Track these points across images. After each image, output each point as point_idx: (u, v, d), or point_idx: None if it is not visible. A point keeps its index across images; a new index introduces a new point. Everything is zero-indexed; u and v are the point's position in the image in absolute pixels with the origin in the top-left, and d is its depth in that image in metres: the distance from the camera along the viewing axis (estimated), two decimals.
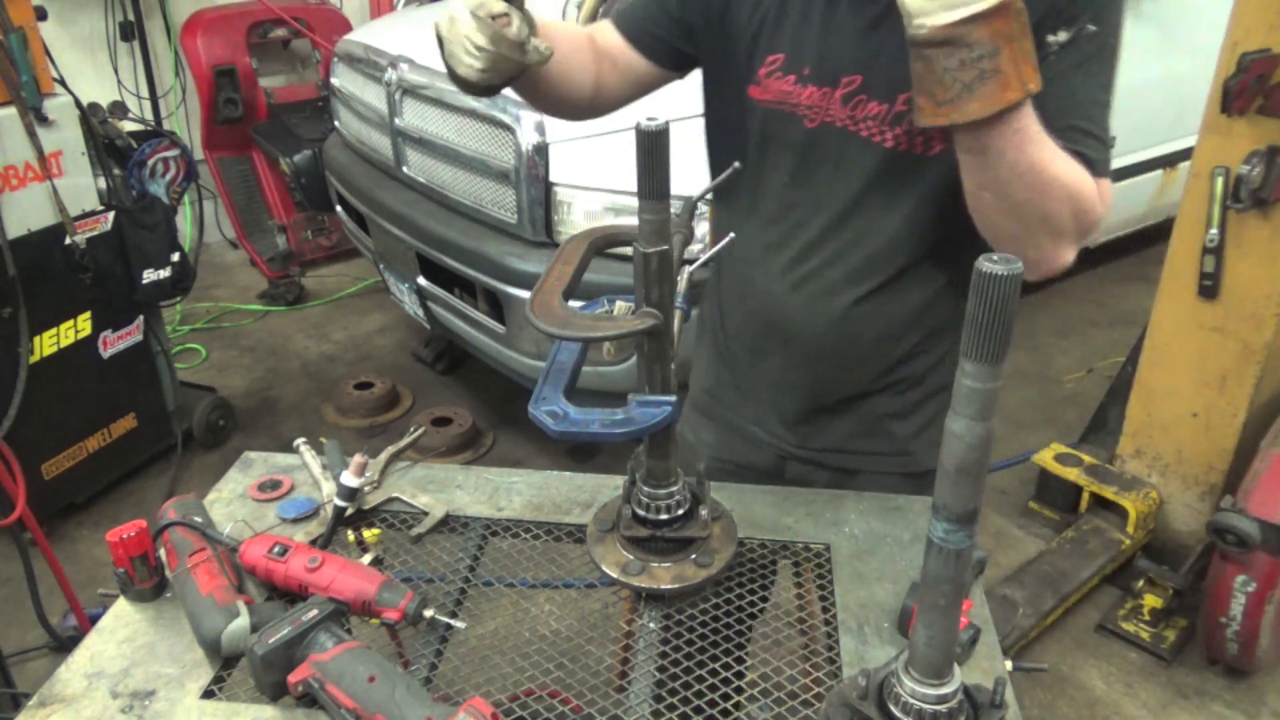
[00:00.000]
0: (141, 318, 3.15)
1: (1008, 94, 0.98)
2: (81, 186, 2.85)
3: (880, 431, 1.44)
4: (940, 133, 1.17)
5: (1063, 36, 1.16)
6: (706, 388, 1.57)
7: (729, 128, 1.39)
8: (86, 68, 4.55)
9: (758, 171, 1.34)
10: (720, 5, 1.33)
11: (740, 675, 1.16)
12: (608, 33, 1.43)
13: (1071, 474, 2.95)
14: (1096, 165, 1.17)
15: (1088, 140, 1.17)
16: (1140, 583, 2.70)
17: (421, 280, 3.24)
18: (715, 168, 1.47)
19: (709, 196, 1.37)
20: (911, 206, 1.27)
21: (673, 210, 1.07)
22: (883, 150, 1.24)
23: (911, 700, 0.87)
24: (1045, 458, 3.04)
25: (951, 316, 1.36)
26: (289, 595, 1.19)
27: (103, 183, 2.93)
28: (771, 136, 1.32)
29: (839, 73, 1.23)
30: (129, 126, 3.09)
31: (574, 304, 1.10)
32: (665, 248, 1.03)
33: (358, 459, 1.35)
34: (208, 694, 1.07)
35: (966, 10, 0.94)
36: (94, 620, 1.20)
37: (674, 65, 1.42)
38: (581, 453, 3.48)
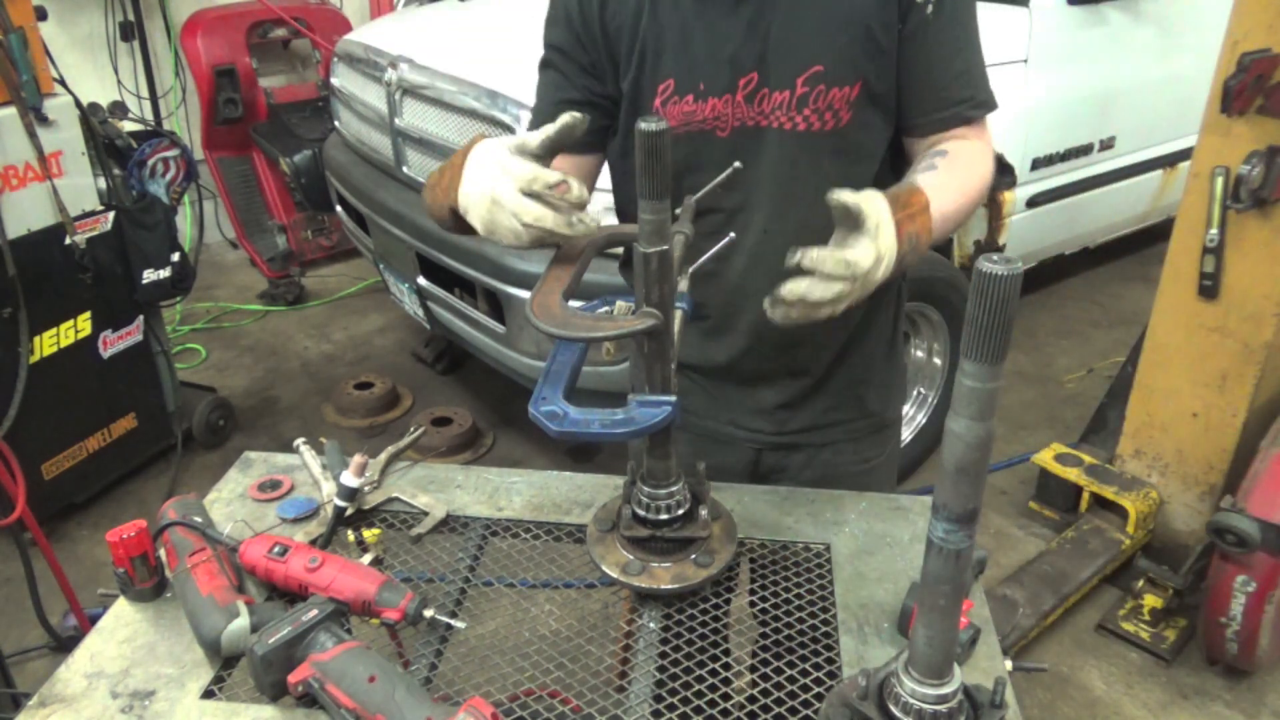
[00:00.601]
0: (141, 318, 3.16)
1: (924, 247, 1.14)
2: (81, 186, 2.86)
3: (851, 399, 1.51)
4: (846, 104, 1.25)
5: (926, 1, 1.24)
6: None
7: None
8: (86, 68, 4.55)
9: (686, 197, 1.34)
10: (598, 63, 1.33)
11: (740, 675, 1.16)
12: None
13: (1071, 474, 2.95)
14: (982, 124, 1.32)
15: (974, 105, 1.30)
16: (1140, 583, 2.70)
17: (421, 280, 3.24)
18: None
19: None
20: (841, 179, 1.26)
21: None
22: (797, 135, 1.28)
23: (911, 700, 0.87)
24: (1045, 458, 3.04)
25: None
26: (289, 595, 1.19)
27: (103, 183, 2.93)
28: (688, 159, 1.32)
29: (735, 76, 1.26)
30: (129, 126, 3.09)
31: (574, 304, 1.10)
32: (665, 248, 1.03)
33: (358, 459, 1.35)
34: (208, 694, 1.07)
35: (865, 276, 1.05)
36: (94, 620, 1.20)
37: (606, 138, 1.42)
38: (581, 453, 3.48)
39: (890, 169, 1.36)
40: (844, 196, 1.06)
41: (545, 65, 1.40)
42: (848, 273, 1.03)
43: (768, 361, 1.45)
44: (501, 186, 1.08)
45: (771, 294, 1.06)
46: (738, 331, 1.42)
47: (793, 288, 1.04)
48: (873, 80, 1.25)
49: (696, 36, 1.27)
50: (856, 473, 1.55)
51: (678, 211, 1.22)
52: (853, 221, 1.06)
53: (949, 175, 1.23)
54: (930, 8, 1.24)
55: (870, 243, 1.05)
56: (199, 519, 1.25)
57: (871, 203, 1.06)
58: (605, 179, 2.73)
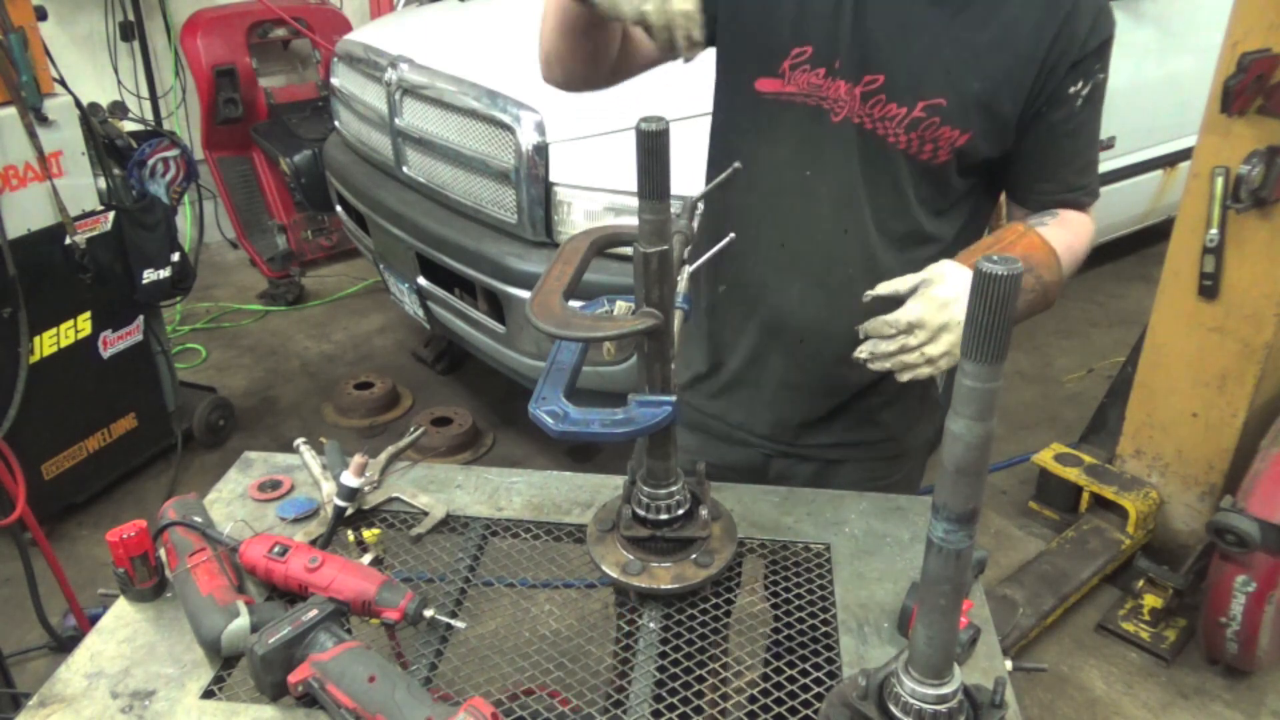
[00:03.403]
0: (141, 318, 3.15)
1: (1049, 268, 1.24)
2: (81, 186, 2.85)
3: (871, 422, 1.50)
4: (950, 146, 1.26)
5: (1083, 88, 1.27)
6: (684, 398, 1.58)
7: (741, 120, 1.38)
8: (86, 68, 4.54)
9: (773, 166, 1.34)
10: None
11: (740, 675, 1.16)
12: None
13: (1071, 474, 2.95)
14: (1090, 206, 1.38)
15: (1088, 194, 1.37)
16: (1140, 583, 2.70)
17: (421, 280, 3.24)
18: (716, 163, 1.45)
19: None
20: (921, 208, 1.32)
21: (673, 210, 1.07)
22: (896, 151, 1.27)
23: (911, 700, 0.87)
24: (1045, 458, 3.04)
25: None
26: (289, 595, 1.19)
27: (103, 183, 2.93)
28: (793, 129, 1.31)
29: (863, 70, 1.25)
30: (129, 126, 3.09)
31: (574, 304, 1.10)
32: (665, 248, 1.03)
33: (358, 459, 1.35)
34: (208, 694, 1.07)
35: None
36: (93, 620, 1.20)
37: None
38: (581, 453, 3.48)
39: (972, 218, 1.41)
40: (877, 289, 1.19)
41: None
42: (893, 330, 1.16)
43: (802, 373, 1.44)
44: None
45: (854, 355, 1.21)
46: (768, 328, 1.42)
47: (862, 347, 1.20)
48: (981, 139, 1.27)
49: (847, 14, 1.24)
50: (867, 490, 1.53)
51: (678, 211, 1.22)
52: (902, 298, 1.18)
53: (1060, 231, 1.30)
54: (1080, 102, 1.26)
55: (915, 298, 1.16)
56: (199, 519, 1.25)
57: (915, 275, 1.18)
58: (605, 179, 2.71)
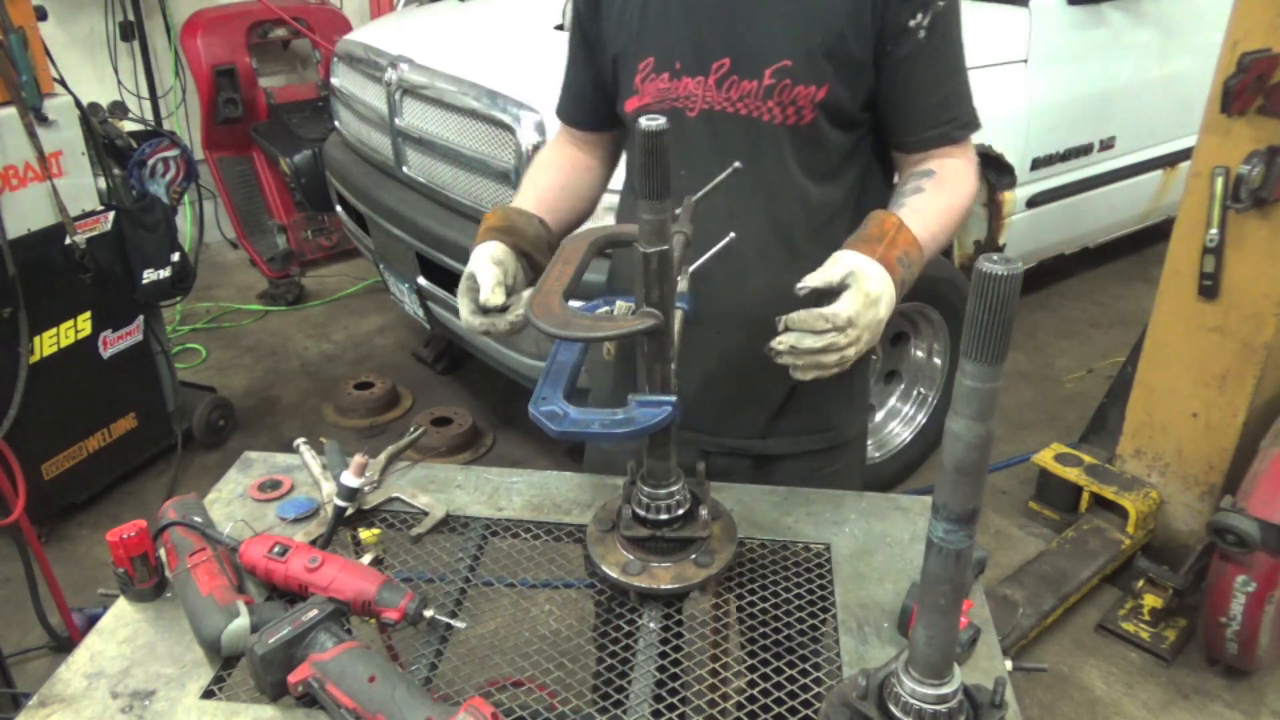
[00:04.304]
0: (141, 318, 3.15)
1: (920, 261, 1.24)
2: (81, 186, 2.85)
3: (807, 408, 1.48)
4: (811, 103, 1.28)
5: (923, 19, 1.26)
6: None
7: (628, 142, 1.49)
8: (86, 68, 4.54)
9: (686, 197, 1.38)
10: (596, 40, 1.41)
11: (740, 675, 1.16)
12: (570, 134, 1.56)
13: (1071, 474, 2.95)
14: (968, 141, 1.36)
15: (960, 125, 1.34)
16: (1140, 583, 2.70)
17: (421, 280, 3.24)
18: (627, 186, 1.55)
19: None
20: (803, 178, 1.34)
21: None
22: (761, 125, 1.30)
23: (911, 700, 0.87)
24: (1045, 458, 3.04)
25: None
26: (289, 595, 1.19)
27: (103, 183, 2.93)
28: None
29: (708, 59, 1.29)
30: (129, 126, 3.09)
31: (574, 304, 1.10)
32: (665, 248, 1.03)
33: (358, 459, 1.35)
34: (208, 694, 1.07)
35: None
36: (87, 624, 1.20)
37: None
38: (582, 453, 3.47)
39: (880, 174, 1.42)
40: (810, 281, 1.14)
41: (569, 40, 1.48)
42: (828, 325, 1.10)
43: (723, 362, 1.44)
44: (464, 300, 1.31)
45: (767, 348, 1.13)
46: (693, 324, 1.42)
47: (782, 339, 1.12)
48: (839, 87, 1.28)
49: (676, 16, 1.30)
50: (812, 482, 1.52)
51: (678, 211, 1.22)
52: (833, 290, 1.14)
53: (935, 195, 1.29)
54: (923, 33, 1.26)
55: (850, 294, 1.12)
56: (199, 519, 1.25)
57: (838, 264, 1.14)
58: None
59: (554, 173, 1.53)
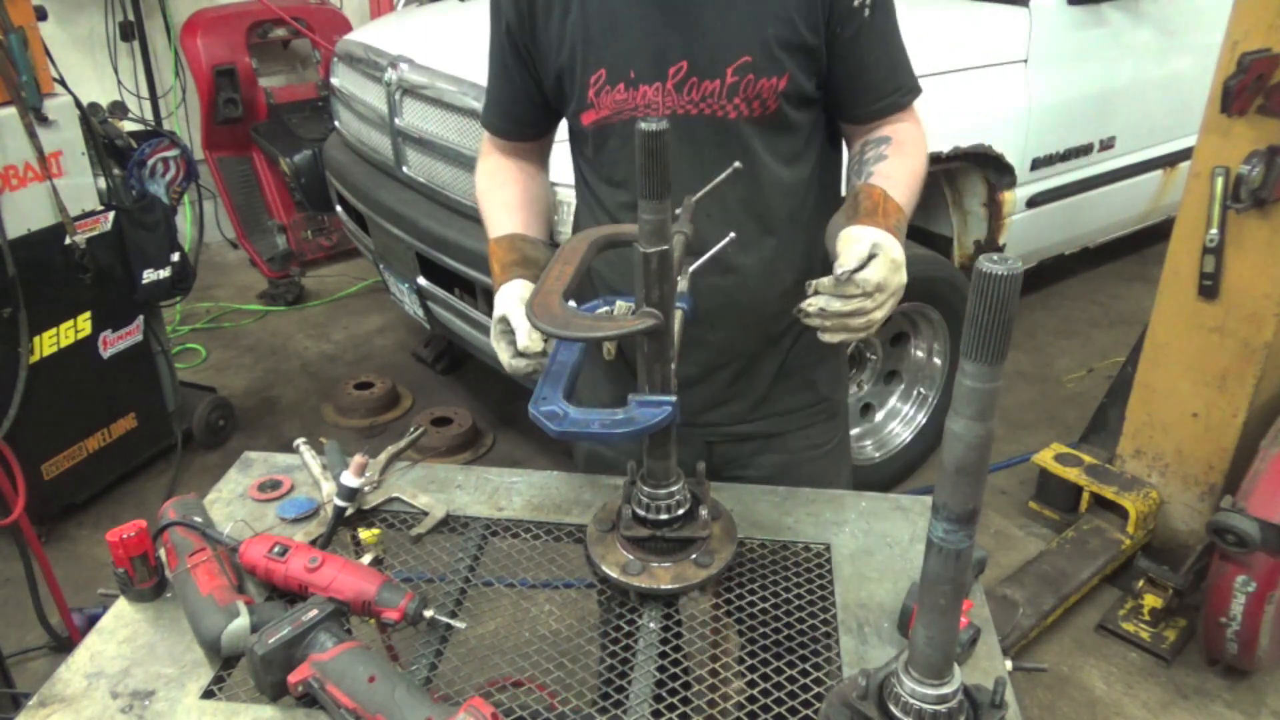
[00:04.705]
0: (141, 318, 3.15)
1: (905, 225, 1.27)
2: (81, 186, 2.85)
3: (803, 386, 1.52)
4: (774, 94, 1.31)
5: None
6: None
7: (582, 156, 1.47)
8: (86, 68, 4.55)
9: (613, 189, 1.41)
10: (532, 54, 1.39)
11: (740, 675, 1.16)
12: (502, 144, 1.54)
13: (1071, 474, 2.95)
14: (912, 108, 1.40)
15: (906, 92, 1.39)
16: (1140, 583, 2.70)
17: (421, 280, 3.23)
18: (580, 198, 1.55)
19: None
20: (772, 156, 1.35)
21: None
22: (728, 122, 1.31)
23: (911, 700, 0.87)
24: (1045, 458, 3.03)
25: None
26: (289, 595, 1.19)
27: (103, 183, 2.93)
28: (618, 149, 1.37)
29: (664, 64, 1.29)
30: (129, 126, 3.09)
31: (574, 304, 1.10)
32: (665, 248, 1.03)
33: (358, 459, 1.35)
34: (208, 694, 1.07)
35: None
36: (87, 624, 1.20)
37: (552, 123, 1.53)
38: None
39: (830, 145, 1.46)
40: (847, 265, 1.15)
41: (491, 53, 1.46)
42: (858, 290, 1.14)
43: (723, 353, 1.46)
44: (501, 344, 1.31)
45: (796, 309, 1.17)
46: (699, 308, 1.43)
47: (812, 301, 1.16)
48: (798, 76, 1.30)
49: (624, 25, 1.30)
50: (811, 458, 1.57)
51: (678, 211, 1.22)
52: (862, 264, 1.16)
53: (899, 161, 1.33)
54: (867, 11, 1.30)
55: (878, 261, 1.15)
56: (199, 519, 1.25)
57: (861, 240, 1.17)
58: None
59: (515, 189, 1.52)
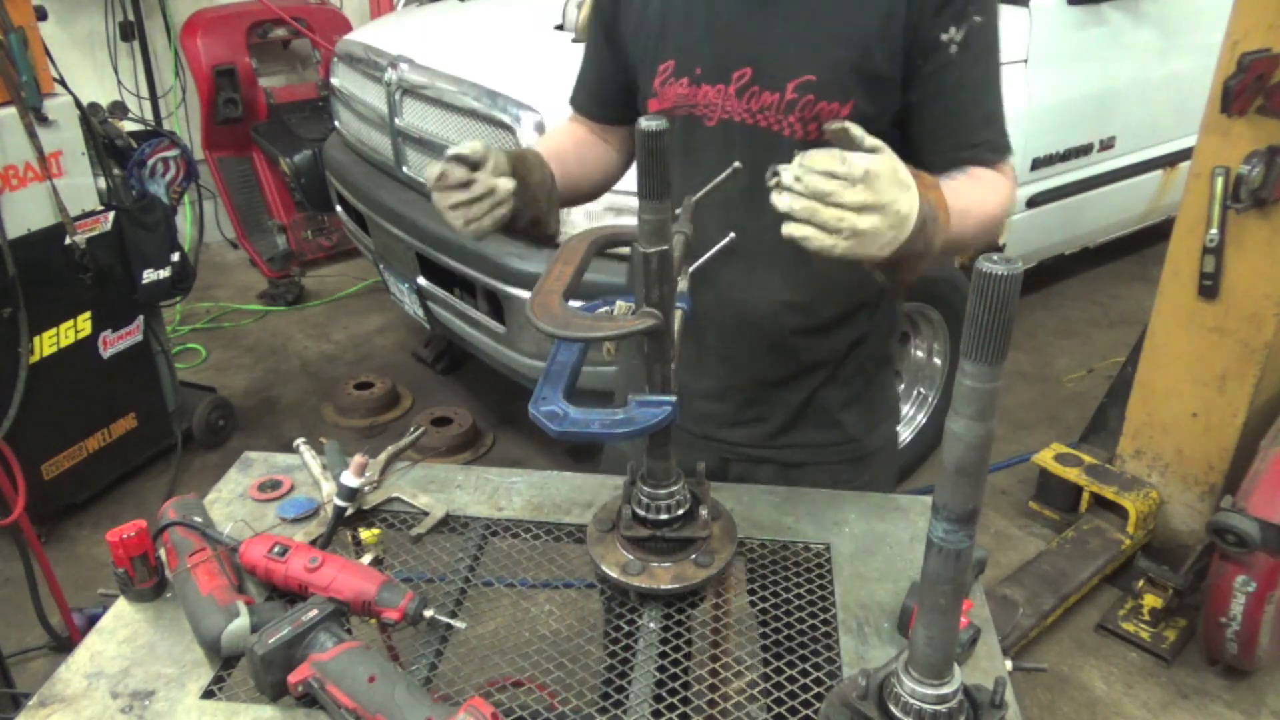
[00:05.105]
0: (141, 318, 3.15)
1: (937, 241, 1.07)
2: (81, 186, 2.85)
3: (831, 423, 1.46)
4: (832, 120, 1.18)
5: (956, 34, 1.20)
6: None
7: None
8: (86, 68, 4.55)
9: (683, 180, 1.35)
10: (616, 35, 1.38)
11: (740, 675, 1.16)
12: (583, 123, 1.52)
13: (1071, 474, 2.95)
14: (1004, 164, 1.28)
15: (992, 149, 1.27)
16: (1140, 583, 2.70)
17: (421, 280, 3.24)
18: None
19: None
20: None
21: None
22: (782, 139, 1.25)
23: (911, 700, 0.87)
24: (1045, 458, 3.04)
25: (877, 291, 1.40)
26: (289, 595, 1.19)
27: (103, 183, 2.93)
28: (672, 143, 1.32)
29: (729, 68, 1.26)
30: (129, 126, 3.09)
31: (574, 304, 1.10)
32: (665, 248, 1.03)
33: (358, 459, 1.35)
34: (208, 694, 1.07)
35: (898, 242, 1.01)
36: (87, 624, 1.20)
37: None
38: (581, 453, 3.47)
39: None
40: (846, 123, 1.02)
41: (589, 31, 1.45)
42: (843, 168, 0.96)
43: (741, 372, 1.43)
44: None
45: (770, 170, 1.00)
46: (704, 327, 1.41)
47: (788, 167, 0.98)
48: (865, 105, 1.22)
49: (699, 21, 1.27)
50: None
51: (678, 211, 1.22)
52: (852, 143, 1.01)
53: (971, 185, 1.21)
54: (955, 48, 1.20)
55: (880, 156, 0.99)
56: (199, 519, 1.25)
57: (878, 144, 1.01)
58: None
59: (566, 138, 1.50)
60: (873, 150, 1.00)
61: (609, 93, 1.46)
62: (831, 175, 0.96)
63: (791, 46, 1.22)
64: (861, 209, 0.96)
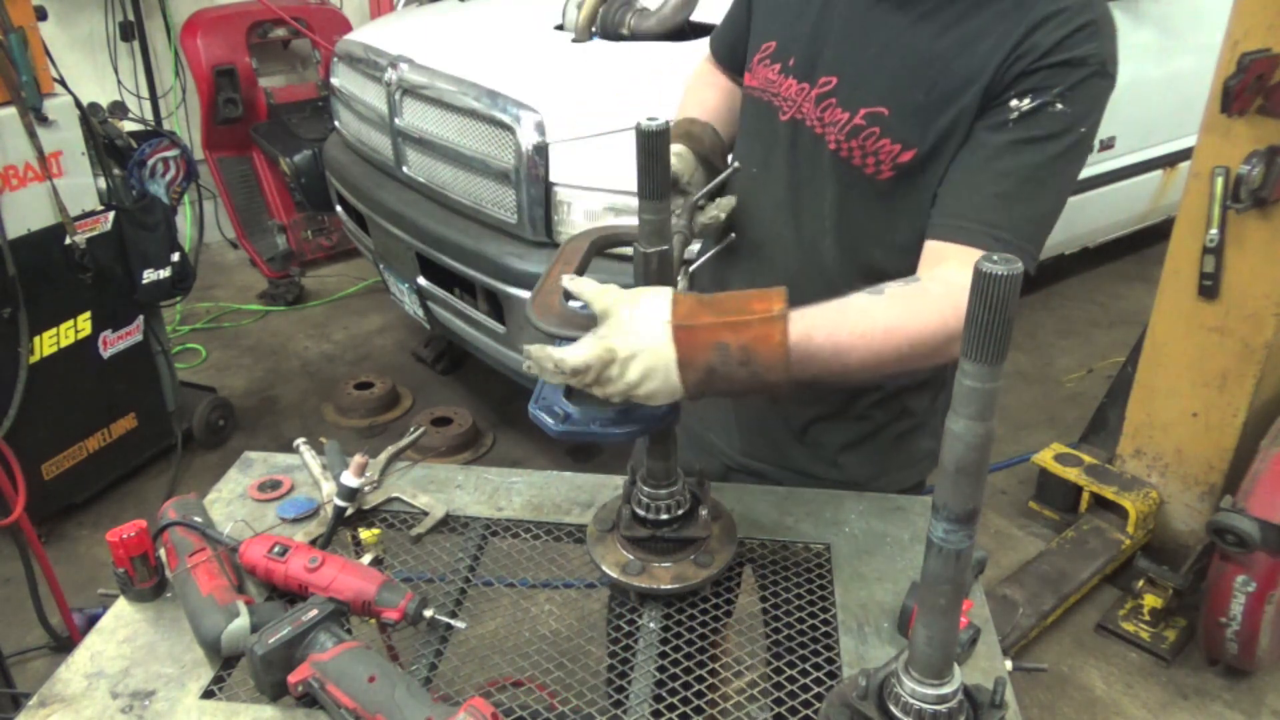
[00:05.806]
0: (141, 318, 3.15)
1: (773, 373, 0.97)
2: (81, 186, 2.85)
3: (829, 462, 1.44)
4: (891, 161, 1.16)
5: (1024, 104, 1.09)
6: None
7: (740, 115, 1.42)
8: (86, 68, 4.54)
9: (741, 161, 1.35)
10: None
11: (740, 675, 1.16)
12: (718, 69, 1.49)
13: (1071, 474, 2.95)
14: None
15: (1007, 245, 1.08)
16: (1140, 583, 2.70)
17: (421, 280, 3.24)
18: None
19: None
20: (863, 223, 1.23)
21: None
22: (838, 159, 1.21)
23: (911, 700, 0.87)
24: (1045, 458, 3.04)
25: None
26: (289, 595, 1.19)
27: (103, 183, 2.93)
28: (750, 125, 1.34)
29: (818, 70, 1.23)
30: (129, 126, 3.09)
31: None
32: (665, 248, 1.03)
33: (358, 459, 1.35)
34: (208, 694, 1.07)
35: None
36: (87, 624, 1.20)
37: None
38: (581, 453, 3.48)
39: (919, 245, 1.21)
40: (566, 282, 1.02)
41: None
42: (553, 369, 0.96)
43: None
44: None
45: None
46: None
47: (527, 360, 0.98)
48: (926, 157, 1.15)
49: (812, 13, 1.24)
50: None
51: (677, 212, 1.22)
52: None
53: (887, 308, 1.05)
54: (1016, 116, 1.09)
55: (590, 340, 0.97)
56: (199, 519, 1.25)
57: (606, 294, 0.99)
58: (605, 179, 2.71)
59: (715, 91, 1.47)
60: (602, 314, 0.98)
61: (740, 44, 1.41)
62: (554, 373, 0.96)
63: (875, 73, 1.17)
64: (602, 383, 0.97)
